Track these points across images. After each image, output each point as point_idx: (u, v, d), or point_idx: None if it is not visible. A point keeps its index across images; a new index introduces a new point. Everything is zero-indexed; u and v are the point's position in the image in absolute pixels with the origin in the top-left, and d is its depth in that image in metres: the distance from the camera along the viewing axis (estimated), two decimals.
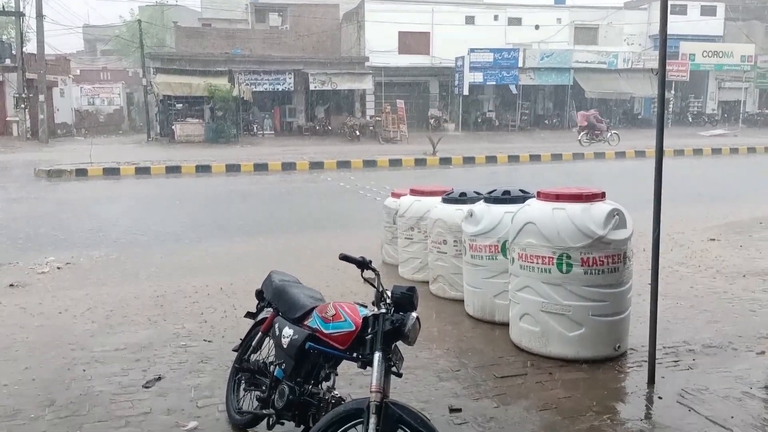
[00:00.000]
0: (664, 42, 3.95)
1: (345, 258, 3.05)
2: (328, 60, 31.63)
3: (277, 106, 32.10)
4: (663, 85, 4.02)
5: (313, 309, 3.26)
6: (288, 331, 3.27)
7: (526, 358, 4.62)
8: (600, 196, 4.66)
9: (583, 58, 32.90)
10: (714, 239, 8.69)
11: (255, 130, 30.34)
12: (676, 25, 34.04)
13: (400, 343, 2.96)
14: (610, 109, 35.31)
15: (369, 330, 2.94)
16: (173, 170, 18.51)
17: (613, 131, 24.86)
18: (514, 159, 21.10)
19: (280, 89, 30.63)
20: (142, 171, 18.39)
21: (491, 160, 20.97)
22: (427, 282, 6.45)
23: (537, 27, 33.93)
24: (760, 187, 14.52)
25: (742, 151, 23.26)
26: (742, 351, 4.72)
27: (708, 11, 35.77)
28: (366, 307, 3.11)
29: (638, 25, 34.47)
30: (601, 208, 4.50)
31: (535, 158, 21.26)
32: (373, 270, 3.01)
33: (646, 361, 4.24)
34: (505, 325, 5.06)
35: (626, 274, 4.58)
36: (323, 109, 32.44)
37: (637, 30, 34.18)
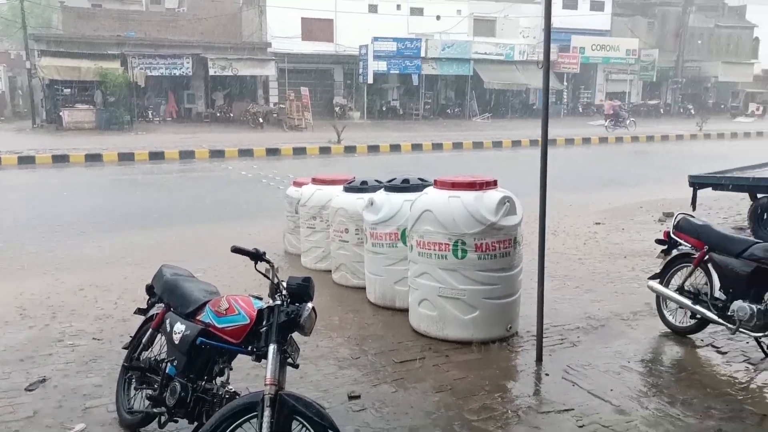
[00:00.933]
0: (548, 38, 4.13)
1: (237, 250, 3.01)
2: (228, 45, 30.71)
3: (175, 91, 30.89)
4: (547, 77, 4.22)
5: (206, 303, 3.20)
6: (180, 327, 3.19)
7: (425, 342, 4.74)
8: (492, 184, 4.84)
9: (482, 50, 33.81)
10: (599, 223, 9.23)
11: (151, 116, 29.07)
12: (568, 19, 35.68)
13: (298, 335, 2.97)
14: (508, 99, 36.56)
15: (264, 323, 2.92)
16: (60, 159, 17.44)
17: (631, 119, 27.97)
18: (417, 147, 21.46)
19: (177, 74, 29.45)
20: (26, 160, 17.22)
21: (395, 148, 21.22)
22: (330, 271, 6.47)
23: (438, 18, 34.51)
24: (642, 174, 15.56)
25: (627, 140, 24.79)
26: (622, 327, 5.07)
27: (597, 6, 37.69)
28: (261, 299, 3.08)
29: (533, 18, 35.75)
30: (492, 196, 4.68)
31: (437, 147, 21.71)
32: (268, 261, 2.99)
33: (534, 340, 4.47)
34: (405, 311, 5.17)
35: (517, 258, 4.79)
36: (223, 95, 31.56)
37: (532, 23, 35.47)
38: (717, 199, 10.09)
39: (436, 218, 4.68)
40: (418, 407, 3.76)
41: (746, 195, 8.44)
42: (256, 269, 3.00)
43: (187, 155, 18.61)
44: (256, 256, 2.98)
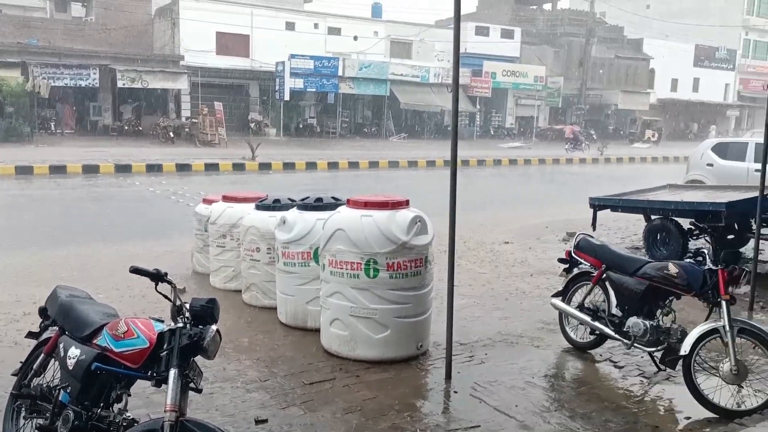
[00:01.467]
0: (456, 63, 4.26)
1: (136, 271, 2.89)
2: (138, 56, 29.70)
3: (80, 102, 29.52)
4: (456, 101, 4.34)
5: (103, 326, 3.04)
6: (74, 352, 3.01)
7: (336, 362, 4.71)
8: (404, 204, 4.90)
9: (398, 71, 34.39)
10: (508, 242, 9.53)
11: (53, 128, 27.58)
12: (480, 45, 36.99)
13: (202, 359, 2.87)
14: (423, 120, 37.32)
15: (165, 346, 2.80)
16: None
17: (586, 143, 30.15)
18: (333, 166, 21.46)
19: (83, 85, 28.14)
20: None
21: (311, 166, 21.13)
22: (240, 291, 6.33)
23: (356, 38, 34.87)
24: (549, 195, 16.24)
25: (534, 162, 25.83)
26: (527, 344, 5.23)
27: (507, 34, 39.26)
28: (163, 321, 2.96)
29: (448, 42, 36.80)
30: (404, 215, 4.74)
31: (353, 165, 21.80)
32: (169, 282, 2.89)
33: (444, 358, 4.53)
34: (317, 331, 5.12)
35: (428, 276, 4.86)
36: (132, 108, 30.44)
37: (446, 47, 36.45)
38: (616, 220, 10.66)
39: (348, 237, 4.68)
40: (327, 429, 3.72)
41: (641, 216, 8.96)
42: (157, 291, 2.89)
43: (90, 170, 17.76)
44: (157, 277, 2.88)
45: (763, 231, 7.60)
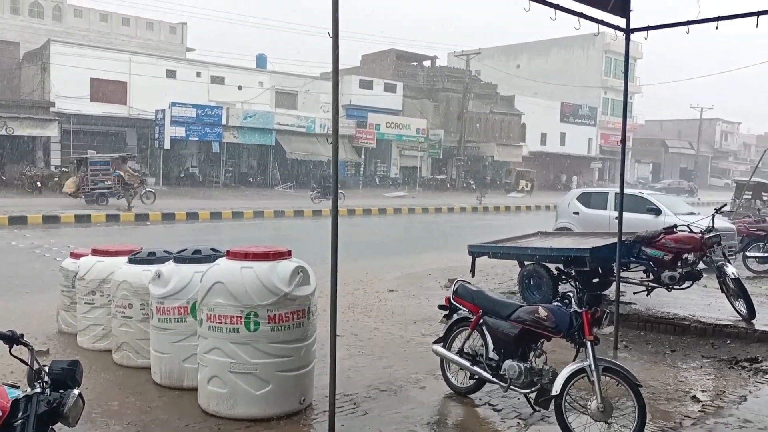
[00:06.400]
0: (336, 117, 4.35)
1: None
2: (3, 102, 27.85)
3: None
4: (336, 152, 4.40)
5: None
6: None
7: (214, 422, 4.50)
8: (286, 255, 4.85)
9: (284, 121, 34.53)
10: (392, 290, 9.66)
11: None
12: (364, 98, 38.07)
13: (62, 426, 2.65)
14: (310, 169, 37.50)
15: (20, 414, 2.57)
16: None
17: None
18: (216, 216, 20.94)
19: None
20: None
21: (193, 216, 20.49)
22: (111, 351, 5.94)
23: (240, 87, 34.75)
24: (431, 242, 16.71)
25: (418, 211, 26.60)
26: (411, 391, 5.27)
27: (390, 88, 40.72)
28: (18, 387, 2.72)
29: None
30: (286, 266, 4.68)
31: (237, 215, 21.39)
32: (26, 344, 2.67)
33: (327, 412, 4.45)
34: (195, 390, 4.88)
35: (311, 328, 4.81)
36: None
37: (331, 99, 37.23)
38: (494, 266, 11.12)
39: (227, 290, 4.55)
40: None
41: (516, 262, 9.43)
42: (11, 354, 2.66)
43: None
44: (11, 339, 2.66)
45: (624, 274, 8.25)
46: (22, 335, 2.69)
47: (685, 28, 6.20)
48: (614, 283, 7.23)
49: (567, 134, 52.38)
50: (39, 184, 25.23)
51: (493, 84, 48.84)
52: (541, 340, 4.66)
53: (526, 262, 8.88)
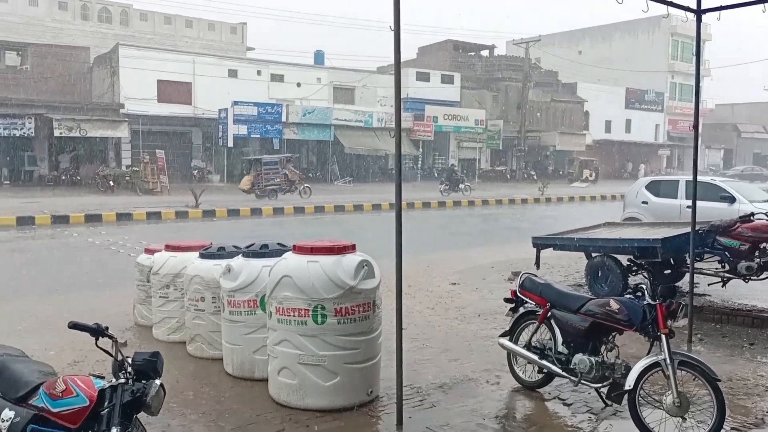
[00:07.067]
0: (398, 110, 4.36)
1: (75, 326, 2.79)
2: (76, 105, 29.13)
3: (14, 153, 28.60)
4: (399, 146, 4.42)
5: (39, 385, 2.90)
6: (8, 414, 2.86)
7: (285, 413, 4.60)
8: (351, 249, 4.90)
9: (342, 116, 34.81)
10: (455, 283, 9.62)
11: None
12: (421, 90, 37.93)
13: (145, 415, 2.77)
14: (368, 164, 37.68)
15: (106, 404, 2.70)
16: None
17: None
18: (279, 211, 21.33)
19: (17, 134, 27.38)
20: None
21: (256, 212, 20.95)
22: (185, 342, 6.15)
23: (299, 84, 35.22)
24: (493, 235, 16.53)
25: (478, 203, 26.34)
26: (477, 385, 5.24)
27: (447, 79, 40.42)
28: (104, 378, 2.86)
29: (390, 88, 37.54)
30: (351, 260, 4.74)
31: (299, 210, 21.73)
32: (110, 337, 2.80)
33: (395, 403, 4.49)
34: (265, 381, 5.00)
35: (376, 321, 4.85)
36: (70, 157, 29.70)
37: (388, 92, 37.19)
38: (559, 258, 10.92)
39: (295, 283, 4.64)
40: None
41: (583, 254, 9.22)
42: (97, 346, 2.80)
43: (25, 221, 17.09)
44: (97, 332, 2.79)
45: (698, 265, 7.95)
46: (107, 328, 2.82)
47: (760, 6, 5.90)
48: (687, 275, 6.98)
49: (632, 121, 50.74)
50: (111, 183, 26.30)
51: (554, 71, 47.80)
52: (613, 334, 4.55)
53: (593, 254, 8.67)
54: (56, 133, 27.46)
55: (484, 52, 47.10)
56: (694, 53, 7.20)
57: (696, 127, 6.72)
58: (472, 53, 46.54)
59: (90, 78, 33.24)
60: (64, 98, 29.88)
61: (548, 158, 45.67)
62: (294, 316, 4.64)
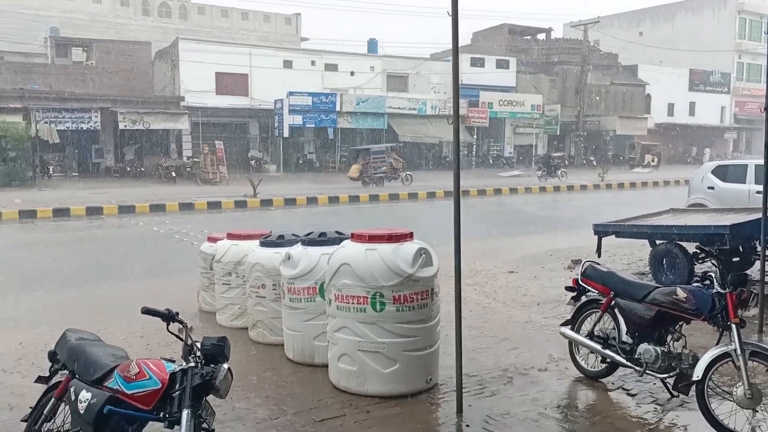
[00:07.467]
0: (456, 96, 4.32)
1: (148, 311, 2.90)
2: (139, 98, 30.11)
3: (82, 145, 29.81)
4: (457, 133, 4.39)
5: (114, 368, 3.03)
6: (85, 395, 3.00)
7: (345, 398, 4.66)
8: (408, 236, 4.90)
9: (395, 104, 34.77)
10: (512, 271, 9.51)
11: (51, 171, 27.61)
12: (475, 76, 37.42)
13: (213, 398, 2.86)
14: (422, 152, 37.55)
15: (177, 386, 2.80)
16: None
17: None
18: (334, 200, 21.53)
19: (85, 128, 28.51)
20: None
21: (312, 201, 21.21)
22: (247, 328, 6.31)
23: (352, 73, 35.34)
24: (550, 222, 16.25)
25: (535, 190, 25.91)
26: (538, 374, 5.18)
27: (502, 64, 39.77)
28: (174, 362, 2.96)
29: (443, 74, 37.23)
30: (409, 248, 4.74)
31: (354, 199, 21.88)
32: (180, 322, 2.89)
33: (455, 391, 4.49)
34: (325, 366, 5.08)
35: (434, 309, 4.84)
36: (134, 149, 30.75)
37: (442, 79, 36.91)
38: (620, 246, 10.64)
39: (353, 271, 4.68)
40: None
41: (646, 241, 8.96)
42: (168, 331, 2.90)
43: (94, 211, 17.83)
44: (168, 317, 2.89)
45: None
46: (177, 313, 2.92)
47: None
48: (757, 263, 6.70)
49: (697, 103, 48.74)
50: (173, 173, 27.11)
51: (613, 54, 46.37)
52: (680, 323, 4.42)
53: (657, 242, 8.42)
54: (121, 126, 28.46)
55: (541, 36, 46.10)
56: (765, 31, 6.85)
57: None
58: (528, 37, 45.63)
59: (152, 72, 34.25)
60: (128, 92, 30.91)
61: (608, 143, 44.44)
62: (353, 303, 4.69)
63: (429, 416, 4.40)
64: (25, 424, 3.47)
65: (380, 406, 4.49)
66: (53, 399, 3.35)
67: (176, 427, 2.71)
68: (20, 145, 25.02)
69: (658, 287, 4.59)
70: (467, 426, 4.21)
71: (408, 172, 27.06)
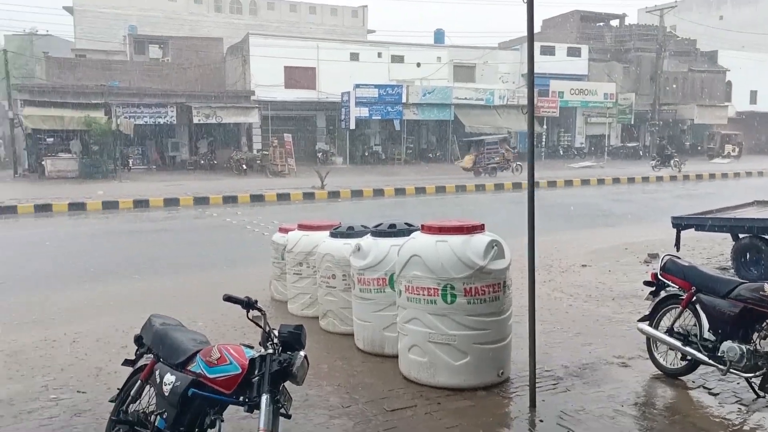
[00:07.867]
0: (531, 84, 4.23)
1: (229, 299, 2.99)
2: (212, 93, 31.04)
3: (159, 140, 31.03)
4: (532, 123, 4.30)
5: (196, 353, 3.15)
6: (170, 378, 3.13)
7: (416, 389, 4.68)
8: (479, 228, 4.85)
9: (462, 95, 34.42)
10: (586, 265, 9.28)
11: (131, 164, 28.89)
12: (545, 64, 36.53)
13: (289, 384, 2.92)
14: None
15: (256, 372, 2.88)
16: (43, 209, 17.28)
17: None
18: (400, 192, 21.58)
19: (161, 122, 29.64)
20: (7, 210, 17.02)
21: (378, 193, 21.32)
22: (317, 317, 6.42)
23: (419, 65, 35.23)
24: (625, 215, 15.75)
25: (608, 182, 25.15)
26: (613, 370, 5.05)
27: (573, 52, 38.72)
28: (252, 348, 3.05)
29: (512, 64, 36.63)
30: (480, 240, 4.69)
31: (420, 191, 21.86)
32: (259, 309, 2.97)
33: (527, 386, 4.42)
34: (395, 357, 5.11)
35: (506, 302, 4.78)
36: (207, 142, 31.74)
37: (510, 69, 36.32)
38: (699, 240, 10.22)
39: (424, 263, 4.67)
40: None
41: (728, 235, 8.56)
42: (248, 318, 2.98)
43: (171, 203, 18.54)
44: (248, 305, 2.96)
45: None
46: (256, 301, 3.00)
47: None
48: None
49: None
50: (244, 166, 27.83)
51: (692, 39, 44.36)
52: (767, 321, 4.20)
53: (740, 235, 8.03)
54: (195, 120, 29.43)
55: (614, 22, 44.60)
56: None
57: None
58: (601, 23, 44.22)
59: (224, 67, 35.20)
60: (201, 87, 31.91)
61: (685, 133, 42.61)
62: (423, 295, 4.69)
63: (501, 410, 4.36)
64: (113, 405, 3.65)
65: (451, 398, 4.48)
66: (139, 381, 3.51)
67: (255, 411, 2.79)
68: (103, 140, 26.27)
69: (743, 283, 4.38)
70: (541, 421, 4.14)
71: (519, 163, 27.00)
